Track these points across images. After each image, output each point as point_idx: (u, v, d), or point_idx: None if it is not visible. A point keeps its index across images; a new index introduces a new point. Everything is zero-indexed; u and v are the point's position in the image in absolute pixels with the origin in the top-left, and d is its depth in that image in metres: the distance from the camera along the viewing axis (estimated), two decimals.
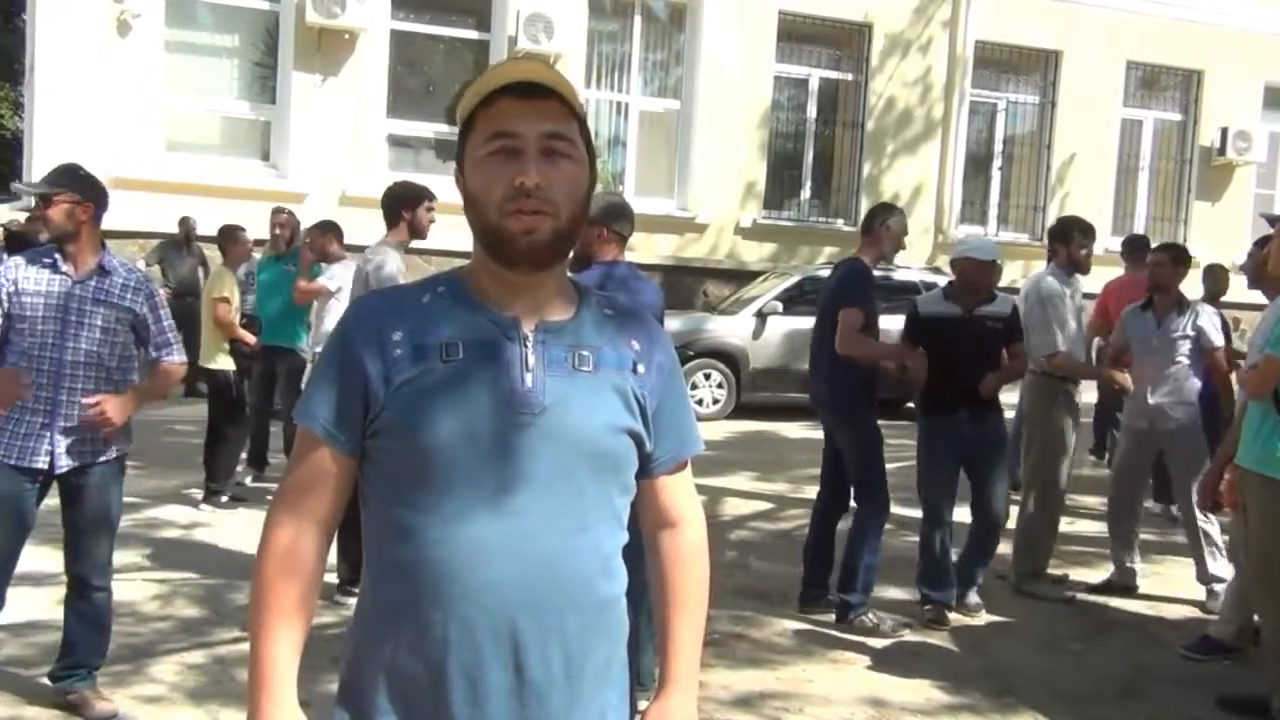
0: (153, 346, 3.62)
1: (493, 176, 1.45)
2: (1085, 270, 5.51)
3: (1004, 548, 5.34)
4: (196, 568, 5.36)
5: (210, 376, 6.72)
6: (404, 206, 4.82)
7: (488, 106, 1.47)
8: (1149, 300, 5.46)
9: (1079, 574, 5.77)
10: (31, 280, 3.45)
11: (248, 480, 7.07)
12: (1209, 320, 5.38)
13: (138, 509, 6.31)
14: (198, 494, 6.59)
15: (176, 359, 3.67)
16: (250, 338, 6.73)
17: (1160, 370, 5.35)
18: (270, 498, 5.72)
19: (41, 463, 3.44)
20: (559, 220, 1.46)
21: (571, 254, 3.60)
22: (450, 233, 11.58)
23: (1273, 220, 4.33)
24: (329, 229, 7.11)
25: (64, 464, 3.46)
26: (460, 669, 1.42)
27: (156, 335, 3.61)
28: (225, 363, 6.66)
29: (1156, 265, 5.45)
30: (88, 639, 3.61)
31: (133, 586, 4.96)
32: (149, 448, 8.01)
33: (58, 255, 3.50)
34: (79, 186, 3.55)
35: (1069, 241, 5.45)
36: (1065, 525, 6.37)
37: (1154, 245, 7.62)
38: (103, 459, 3.54)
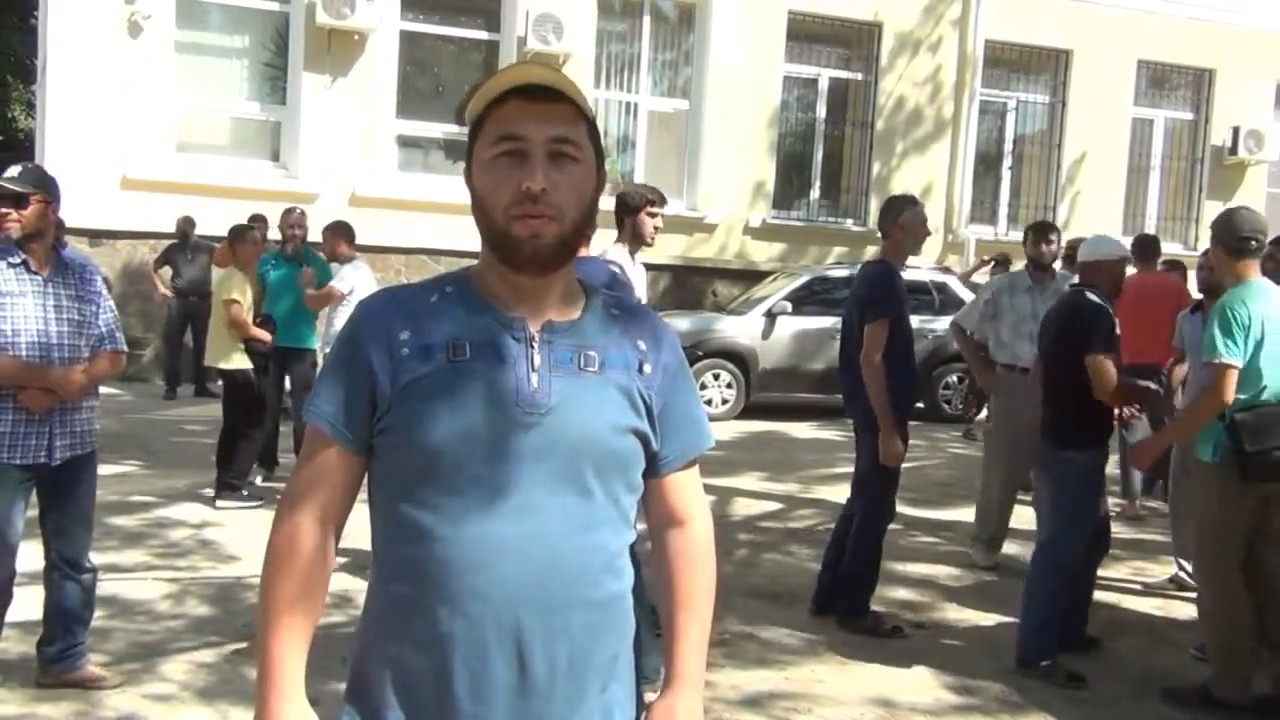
0: (96, 338, 3.70)
1: (500, 179, 1.46)
2: (1042, 267, 5.96)
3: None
4: (207, 566, 5.38)
5: (228, 377, 6.70)
6: (626, 213, 4.52)
7: (497, 108, 1.48)
8: (1198, 304, 5.50)
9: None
10: (9, 282, 3.50)
11: (258, 479, 7.08)
12: None
13: (148, 508, 6.34)
14: (209, 493, 6.61)
15: (120, 348, 3.79)
16: (266, 336, 6.74)
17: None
18: (266, 496, 5.70)
19: (43, 458, 3.55)
20: (564, 224, 1.47)
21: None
22: (458, 233, 11.57)
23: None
24: (339, 229, 7.13)
25: (59, 457, 3.59)
26: (465, 665, 1.43)
27: (103, 326, 3.72)
28: (242, 362, 6.65)
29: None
30: (83, 618, 3.80)
31: (143, 585, 4.98)
32: (160, 447, 8.06)
33: (26, 256, 3.54)
34: (49, 189, 3.63)
35: (1023, 241, 6.00)
36: None
37: (1161, 247, 7.66)
38: (90, 449, 3.72)
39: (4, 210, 3.49)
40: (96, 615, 3.96)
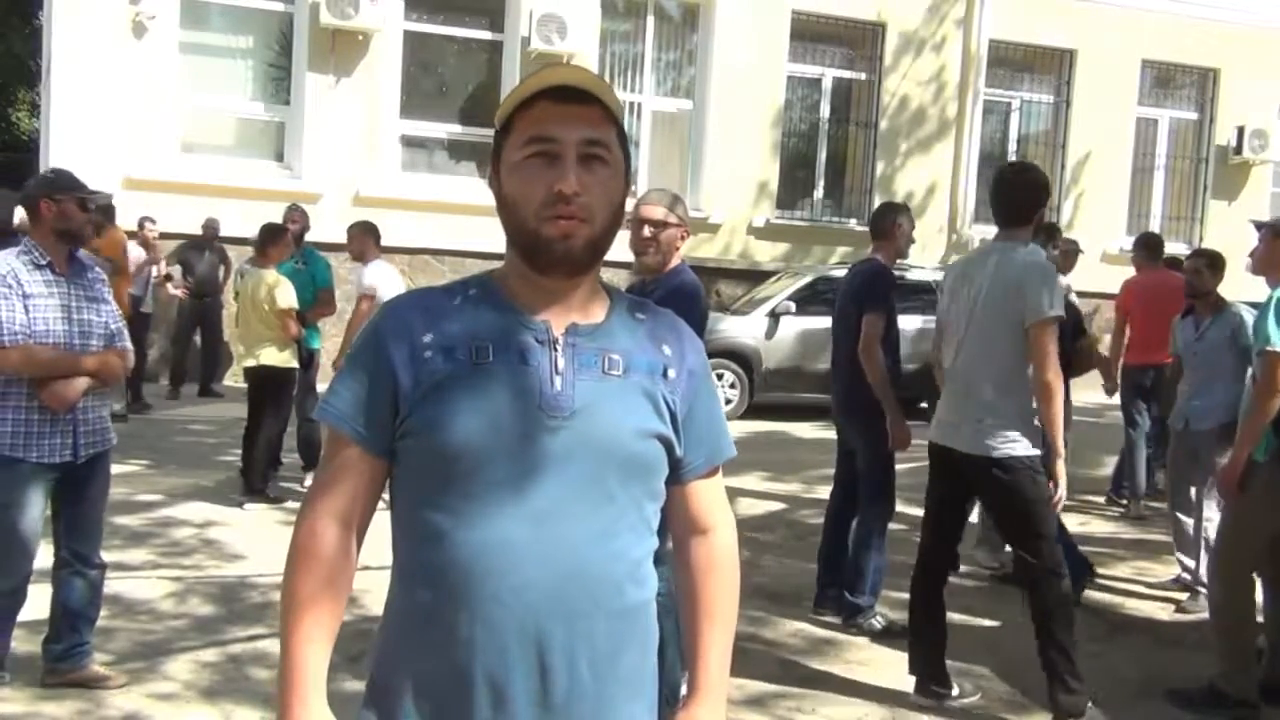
0: (107, 336, 3.76)
1: (531, 181, 1.44)
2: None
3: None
4: (211, 566, 5.39)
5: (264, 371, 6.59)
6: (1036, 205, 3.91)
7: (526, 110, 1.46)
8: (1190, 307, 5.52)
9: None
10: (37, 284, 3.57)
11: None
12: (1248, 318, 5.36)
13: (152, 507, 6.35)
14: (213, 492, 6.61)
15: (128, 346, 3.85)
16: (300, 333, 6.71)
17: (1198, 374, 5.38)
18: (285, 498, 5.70)
19: (68, 456, 3.61)
20: (594, 227, 1.45)
21: (644, 259, 3.66)
22: (462, 233, 11.55)
23: (1260, 225, 4.40)
24: (368, 230, 6.97)
25: (84, 454, 3.65)
26: (485, 673, 1.41)
27: (112, 323, 3.78)
28: (287, 359, 6.60)
29: (1194, 272, 5.50)
30: (89, 616, 3.83)
31: (147, 584, 4.99)
32: (164, 446, 8.06)
33: (51, 259, 3.61)
34: None
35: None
36: (1079, 525, 6.35)
37: (1165, 245, 7.67)
38: (108, 445, 3.79)
39: (98, 220, 3.68)
40: (101, 614, 3.97)
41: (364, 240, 6.92)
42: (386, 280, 6.75)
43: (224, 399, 10.27)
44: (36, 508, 3.61)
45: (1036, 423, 3.73)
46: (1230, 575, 4.10)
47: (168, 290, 10.38)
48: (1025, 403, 3.72)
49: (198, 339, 10.69)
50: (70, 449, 3.61)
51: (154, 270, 9.98)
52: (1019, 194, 3.89)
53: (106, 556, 3.97)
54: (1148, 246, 7.46)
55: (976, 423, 3.75)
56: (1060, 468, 3.71)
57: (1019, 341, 3.68)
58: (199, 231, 10.48)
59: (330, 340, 8.38)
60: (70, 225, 3.63)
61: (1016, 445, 3.70)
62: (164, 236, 10.48)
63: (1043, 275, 3.71)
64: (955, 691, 4.01)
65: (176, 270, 10.41)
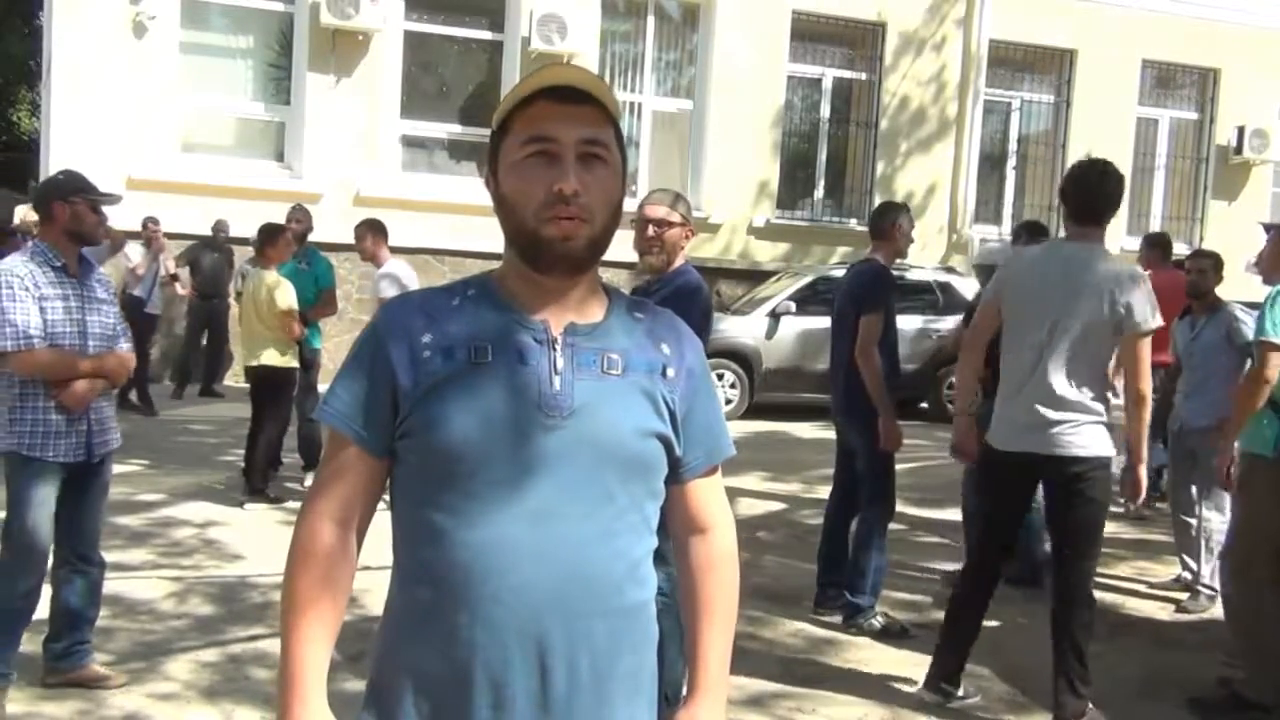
0: (112, 338, 3.79)
1: (530, 180, 1.44)
2: None
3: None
4: (211, 565, 5.39)
5: (265, 372, 6.59)
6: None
7: (524, 109, 1.46)
8: (1188, 308, 5.54)
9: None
10: (50, 286, 3.60)
11: None
12: (1243, 317, 5.36)
13: (153, 507, 6.35)
14: (215, 489, 6.61)
15: (131, 347, 3.90)
16: (302, 333, 6.70)
17: (1195, 374, 5.40)
18: (285, 498, 5.70)
19: (82, 455, 3.66)
20: (594, 227, 1.45)
21: (649, 259, 3.70)
22: (462, 233, 11.55)
23: (1269, 228, 4.40)
24: (377, 229, 6.92)
25: (97, 454, 3.71)
26: (485, 673, 1.42)
27: (116, 325, 3.82)
28: (288, 359, 6.59)
29: (1200, 273, 5.51)
30: (89, 615, 3.86)
31: (148, 584, 5.00)
32: (165, 446, 8.07)
33: (65, 260, 3.65)
34: None
35: (1015, 239, 5.90)
36: None
37: (1169, 246, 7.65)
38: (116, 444, 3.83)
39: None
40: (101, 614, 3.98)
41: (374, 240, 6.87)
42: (408, 276, 6.72)
43: (225, 399, 10.27)
44: (52, 507, 3.65)
45: (1110, 420, 3.80)
46: (1244, 575, 4.06)
47: (175, 290, 10.39)
48: (1103, 405, 3.78)
49: (203, 339, 10.70)
50: (84, 449, 3.66)
51: (159, 270, 9.98)
52: (1111, 189, 3.77)
53: (107, 557, 3.98)
54: (1160, 246, 7.43)
55: (1061, 424, 3.73)
56: (1142, 473, 3.79)
57: (1107, 347, 3.73)
58: (201, 231, 10.49)
59: (332, 340, 8.39)
60: (83, 228, 3.67)
61: (1097, 444, 3.75)
62: (164, 237, 10.49)
63: (1143, 286, 3.69)
64: (961, 693, 4.02)
65: (185, 271, 10.41)
